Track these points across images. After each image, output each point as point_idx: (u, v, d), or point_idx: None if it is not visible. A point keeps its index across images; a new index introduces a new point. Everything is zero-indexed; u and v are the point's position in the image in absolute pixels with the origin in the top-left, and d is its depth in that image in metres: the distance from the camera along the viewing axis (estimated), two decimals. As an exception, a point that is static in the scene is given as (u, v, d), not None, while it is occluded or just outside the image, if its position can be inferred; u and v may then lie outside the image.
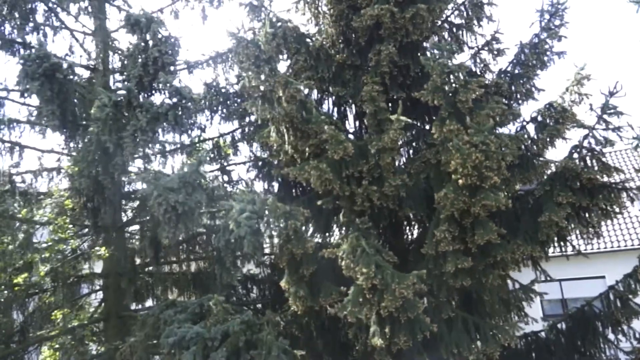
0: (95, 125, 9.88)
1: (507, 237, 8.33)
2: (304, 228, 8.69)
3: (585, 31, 48.93)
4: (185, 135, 11.25)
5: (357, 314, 7.29)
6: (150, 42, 10.80)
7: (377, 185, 8.50)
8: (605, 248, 18.67)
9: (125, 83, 10.73)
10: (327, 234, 10.12)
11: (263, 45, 8.66)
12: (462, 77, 8.12)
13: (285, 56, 9.87)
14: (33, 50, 10.11)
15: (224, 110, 12.41)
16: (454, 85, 8.06)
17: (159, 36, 10.86)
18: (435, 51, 8.43)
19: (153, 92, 10.96)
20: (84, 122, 10.72)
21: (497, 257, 7.91)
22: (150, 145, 10.28)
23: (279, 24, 9.55)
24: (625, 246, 18.54)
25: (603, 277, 16.60)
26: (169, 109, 9.98)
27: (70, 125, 10.55)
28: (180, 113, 10.15)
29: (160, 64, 10.70)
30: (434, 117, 8.91)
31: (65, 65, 10.31)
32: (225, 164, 13.32)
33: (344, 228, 9.32)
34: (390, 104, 9.42)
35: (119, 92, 10.40)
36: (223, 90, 12.38)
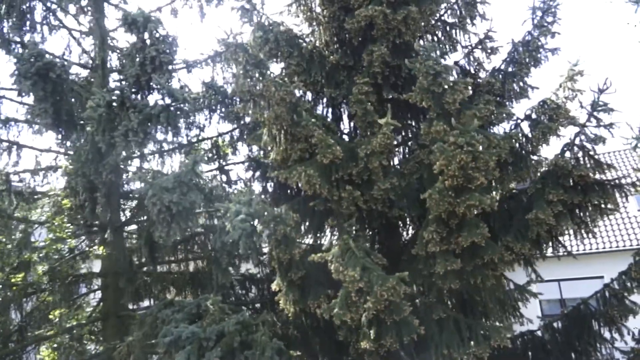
0: (89, 125, 9.93)
1: (498, 237, 8.35)
2: (296, 230, 8.71)
3: (582, 28, 48.81)
4: (181, 136, 11.28)
5: (343, 316, 7.31)
6: (148, 42, 10.84)
7: (367, 188, 8.50)
8: (604, 248, 18.69)
9: (122, 83, 10.79)
10: (319, 234, 10.13)
11: (251, 49, 8.68)
12: (449, 79, 8.12)
13: (278, 60, 9.85)
14: (26, 49, 10.16)
15: (223, 110, 12.43)
16: (442, 86, 8.06)
17: (157, 35, 10.90)
18: (422, 53, 8.42)
19: (151, 91, 11.02)
20: (82, 122, 10.77)
21: (484, 258, 7.90)
22: (142, 146, 10.30)
23: (271, 27, 9.57)
24: (624, 246, 18.53)
25: (601, 277, 16.56)
26: (161, 111, 9.99)
27: (66, 124, 10.60)
28: (173, 114, 10.18)
29: (158, 63, 10.72)
30: (427, 116, 8.92)
31: (59, 64, 10.34)
32: (224, 163, 13.36)
33: (336, 230, 9.34)
34: (383, 105, 9.44)
35: (114, 92, 10.45)
36: (222, 89, 12.41)
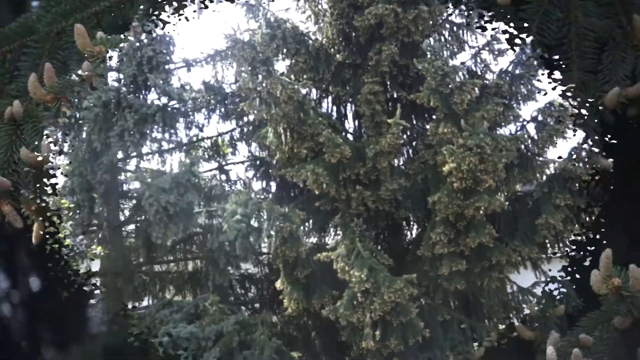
0: (86, 125, 9.86)
1: (504, 239, 8.36)
2: (300, 230, 8.71)
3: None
4: (179, 135, 11.19)
5: (349, 317, 7.32)
6: (145, 41, 10.74)
7: (374, 188, 8.51)
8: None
9: (122, 82, 10.71)
10: (323, 234, 10.09)
11: (259, 46, 8.65)
12: (457, 79, 8.12)
13: (284, 57, 9.79)
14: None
15: (222, 109, 12.32)
16: (449, 87, 8.04)
17: (154, 35, 10.80)
18: (429, 54, 8.41)
19: (148, 91, 10.92)
20: (80, 120, 10.66)
21: (492, 259, 7.91)
22: (138, 146, 10.26)
23: (278, 23, 9.52)
24: (624, 247, 18.57)
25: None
26: (157, 111, 9.96)
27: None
28: (170, 114, 10.12)
29: (155, 63, 10.63)
30: (434, 117, 8.92)
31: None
32: (223, 163, 13.24)
33: (340, 229, 9.31)
34: (390, 104, 9.42)
35: (109, 92, 10.38)
36: (221, 89, 12.29)
